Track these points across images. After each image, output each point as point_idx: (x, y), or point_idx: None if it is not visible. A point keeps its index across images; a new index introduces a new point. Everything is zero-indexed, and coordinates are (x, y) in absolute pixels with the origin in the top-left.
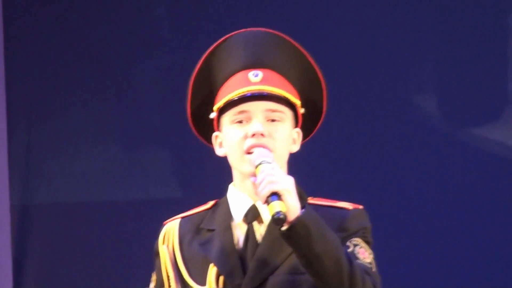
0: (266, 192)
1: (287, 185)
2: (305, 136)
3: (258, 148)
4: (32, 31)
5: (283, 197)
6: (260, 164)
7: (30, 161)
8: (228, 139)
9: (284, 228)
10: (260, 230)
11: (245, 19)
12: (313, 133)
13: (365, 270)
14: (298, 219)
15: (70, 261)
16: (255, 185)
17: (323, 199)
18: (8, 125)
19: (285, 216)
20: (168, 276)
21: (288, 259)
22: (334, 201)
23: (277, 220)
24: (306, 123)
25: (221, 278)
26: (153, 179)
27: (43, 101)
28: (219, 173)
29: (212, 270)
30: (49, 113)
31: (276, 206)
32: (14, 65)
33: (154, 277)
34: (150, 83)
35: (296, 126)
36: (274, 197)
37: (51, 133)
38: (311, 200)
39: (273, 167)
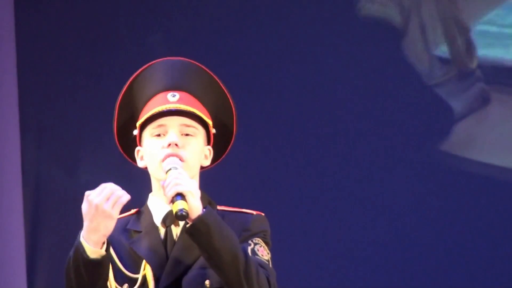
0: (172, 192)
1: (190, 188)
2: (218, 156)
3: (170, 157)
4: (43, 36)
5: (186, 198)
6: (169, 169)
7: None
8: (147, 151)
9: (187, 225)
10: (176, 231)
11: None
12: (225, 154)
13: (261, 264)
14: (199, 217)
15: None
16: (163, 187)
17: (231, 207)
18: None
19: (187, 213)
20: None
21: (200, 256)
22: (240, 208)
23: (180, 216)
24: (219, 144)
25: (152, 270)
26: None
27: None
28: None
29: (144, 264)
30: (59, 119)
31: (179, 204)
32: (26, 72)
33: None
34: None
35: (208, 144)
36: (179, 197)
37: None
38: (219, 207)
39: (180, 172)
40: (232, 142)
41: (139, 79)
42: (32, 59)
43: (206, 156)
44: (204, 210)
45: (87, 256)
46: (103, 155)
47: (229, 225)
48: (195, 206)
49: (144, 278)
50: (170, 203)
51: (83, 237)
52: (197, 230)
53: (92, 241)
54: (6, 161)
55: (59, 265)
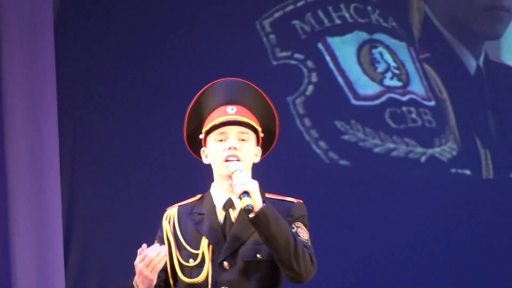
0: (239, 191)
1: (254, 187)
2: (263, 153)
3: (233, 162)
4: (82, 44)
5: (251, 195)
6: (235, 171)
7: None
8: (212, 152)
9: (251, 216)
10: (234, 215)
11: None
12: (269, 151)
13: (304, 244)
14: (261, 210)
15: None
16: (231, 186)
17: (275, 195)
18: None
19: (252, 208)
20: (169, 243)
21: (253, 234)
22: (283, 196)
23: (247, 210)
24: (265, 144)
25: (210, 246)
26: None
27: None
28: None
29: (205, 240)
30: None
31: (246, 200)
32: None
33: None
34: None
35: (258, 145)
36: (245, 194)
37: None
38: (267, 195)
39: (244, 174)
40: (275, 142)
41: (204, 95)
42: (71, 66)
43: (256, 155)
44: (264, 204)
45: None
46: (134, 152)
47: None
48: (257, 201)
49: (203, 253)
50: (238, 198)
51: (135, 281)
52: (259, 220)
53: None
54: (45, 158)
55: (94, 246)
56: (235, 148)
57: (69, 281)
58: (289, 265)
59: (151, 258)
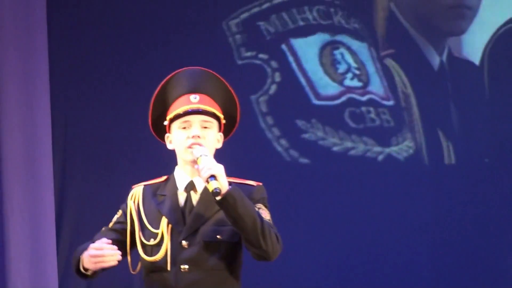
0: (206, 175)
1: (220, 171)
2: (225, 138)
3: (197, 147)
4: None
5: (217, 178)
6: (200, 156)
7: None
8: (176, 139)
9: (218, 198)
10: (195, 197)
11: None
12: (229, 136)
13: (270, 224)
14: (228, 192)
15: None
16: (198, 170)
17: (236, 178)
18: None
19: (220, 190)
20: (132, 221)
21: (213, 216)
22: (243, 179)
23: (215, 193)
24: (226, 130)
25: (170, 226)
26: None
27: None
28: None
29: (164, 220)
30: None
31: (214, 184)
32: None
33: (117, 215)
34: None
35: (220, 131)
36: (212, 178)
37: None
38: (228, 179)
39: (210, 158)
40: (236, 127)
41: (168, 83)
42: (63, 61)
43: (218, 141)
44: (230, 187)
45: (79, 268)
46: (121, 144)
47: None
48: (224, 184)
49: (163, 232)
50: (205, 182)
51: (84, 257)
52: (226, 202)
53: (87, 265)
54: (38, 152)
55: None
56: (198, 136)
57: (60, 264)
58: (257, 244)
59: (104, 254)
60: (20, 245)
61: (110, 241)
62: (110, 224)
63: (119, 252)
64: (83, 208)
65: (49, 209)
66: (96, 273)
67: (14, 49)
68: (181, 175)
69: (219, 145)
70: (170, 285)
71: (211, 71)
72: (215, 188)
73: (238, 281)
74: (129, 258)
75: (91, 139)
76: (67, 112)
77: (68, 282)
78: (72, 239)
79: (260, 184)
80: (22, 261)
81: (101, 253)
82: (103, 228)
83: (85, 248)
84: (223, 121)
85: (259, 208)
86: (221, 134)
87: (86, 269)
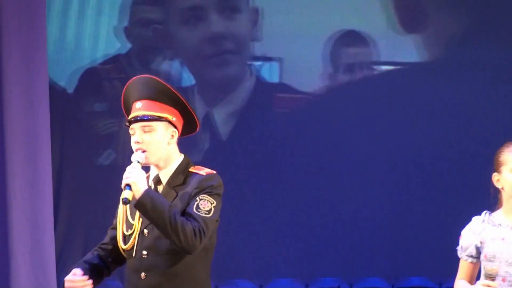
0: (123, 183)
1: (136, 179)
2: (191, 130)
3: (136, 153)
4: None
5: (132, 187)
6: (132, 162)
7: None
8: (131, 142)
9: (134, 204)
10: (160, 189)
11: None
12: (197, 130)
13: (196, 218)
14: (138, 200)
15: None
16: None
17: (198, 167)
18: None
19: (128, 200)
20: (120, 217)
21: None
22: (202, 168)
23: (124, 201)
24: (191, 123)
25: (140, 219)
26: None
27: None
28: None
29: (137, 214)
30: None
31: (125, 194)
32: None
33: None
34: None
35: (174, 127)
36: (128, 186)
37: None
38: (192, 168)
39: (133, 166)
40: (196, 119)
41: (125, 93)
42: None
43: (172, 136)
44: (141, 195)
45: None
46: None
47: (191, 183)
48: (137, 192)
49: (135, 223)
50: (124, 189)
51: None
52: (138, 207)
53: None
54: (38, 147)
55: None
56: (137, 142)
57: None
58: (171, 240)
59: (75, 286)
60: (21, 234)
61: (82, 272)
62: (114, 221)
63: (90, 282)
64: (78, 202)
65: (48, 201)
66: None
67: (17, 49)
68: (152, 170)
69: (173, 140)
70: (136, 269)
71: (156, 78)
72: (124, 198)
73: (199, 271)
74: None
75: (88, 126)
76: (65, 105)
77: (64, 265)
78: (68, 228)
79: (213, 173)
80: (23, 247)
81: (73, 286)
82: (109, 228)
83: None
84: (173, 118)
85: (201, 199)
86: (173, 130)
87: None
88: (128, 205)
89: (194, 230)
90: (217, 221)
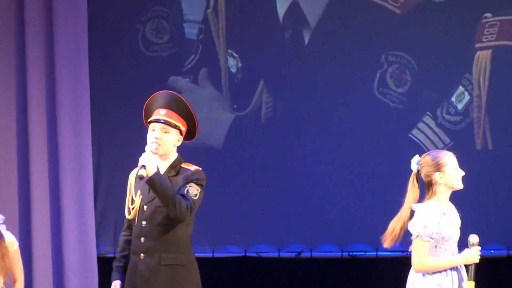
0: (139, 164)
1: (148, 162)
2: (190, 139)
3: (151, 143)
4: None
5: (146, 167)
6: (147, 151)
7: None
8: (148, 135)
9: (145, 180)
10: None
11: None
12: (194, 138)
13: (187, 197)
14: (149, 178)
15: None
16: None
17: (188, 164)
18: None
19: (143, 176)
20: (130, 192)
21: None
22: (191, 165)
23: (139, 177)
24: (191, 132)
25: (141, 196)
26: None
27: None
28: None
29: (139, 192)
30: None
31: (141, 171)
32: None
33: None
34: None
35: (181, 135)
36: (143, 167)
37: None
38: (184, 164)
39: (146, 153)
40: (196, 134)
41: (152, 99)
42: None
43: (179, 140)
44: (153, 173)
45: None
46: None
47: (182, 175)
48: (149, 171)
49: (137, 200)
50: (139, 169)
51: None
52: (149, 183)
53: None
54: (81, 148)
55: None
56: (156, 137)
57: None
58: (169, 210)
59: None
60: (70, 206)
61: (121, 284)
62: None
63: None
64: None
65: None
66: None
67: (66, 62)
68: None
69: (178, 143)
70: (137, 235)
71: (179, 95)
72: (140, 175)
73: (184, 236)
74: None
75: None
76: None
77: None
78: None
79: (199, 169)
80: (71, 214)
81: None
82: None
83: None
84: (183, 129)
85: (190, 186)
86: (180, 137)
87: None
88: (133, 186)
89: (187, 206)
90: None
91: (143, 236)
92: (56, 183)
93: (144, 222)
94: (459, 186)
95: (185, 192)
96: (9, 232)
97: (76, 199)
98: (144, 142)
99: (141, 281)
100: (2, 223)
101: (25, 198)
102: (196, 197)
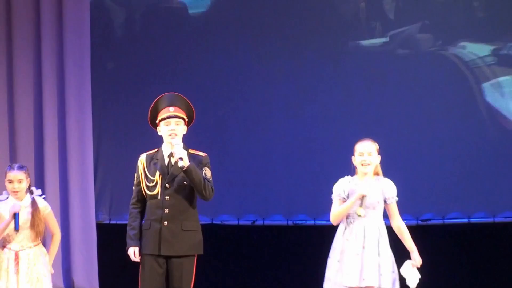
0: (177, 157)
1: (183, 155)
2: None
3: (174, 138)
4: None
5: (183, 159)
6: (175, 145)
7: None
8: (163, 130)
9: (184, 169)
10: (173, 160)
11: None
12: (190, 126)
13: (209, 181)
14: (187, 167)
15: None
16: (173, 153)
17: (194, 150)
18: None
19: (184, 167)
20: (141, 175)
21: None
22: (198, 151)
23: (181, 168)
24: (189, 124)
25: (160, 176)
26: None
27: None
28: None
29: (157, 172)
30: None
31: (181, 163)
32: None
33: (136, 176)
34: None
35: (186, 125)
36: (180, 159)
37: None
38: (191, 151)
39: (180, 147)
40: (192, 122)
41: (158, 100)
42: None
43: (185, 130)
44: (189, 164)
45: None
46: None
47: (195, 160)
48: (185, 162)
49: (157, 179)
50: (176, 160)
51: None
52: (186, 172)
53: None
54: (83, 146)
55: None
56: (173, 129)
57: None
58: (200, 193)
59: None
60: (75, 182)
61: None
62: (135, 182)
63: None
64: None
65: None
66: None
67: (73, 64)
68: (166, 148)
69: (185, 132)
70: (160, 206)
71: (180, 95)
72: (182, 166)
73: (194, 208)
74: (145, 195)
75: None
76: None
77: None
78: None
79: (206, 154)
80: (75, 186)
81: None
82: (134, 186)
83: (130, 233)
84: (186, 120)
85: (205, 170)
86: (185, 127)
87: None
88: (146, 168)
89: (211, 188)
90: None
91: (166, 208)
92: (64, 166)
93: (167, 197)
94: (361, 170)
95: (203, 175)
96: (41, 199)
97: (80, 178)
98: (139, 131)
99: (165, 243)
100: (41, 195)
101: (40, 175)
102: (211, 179)
